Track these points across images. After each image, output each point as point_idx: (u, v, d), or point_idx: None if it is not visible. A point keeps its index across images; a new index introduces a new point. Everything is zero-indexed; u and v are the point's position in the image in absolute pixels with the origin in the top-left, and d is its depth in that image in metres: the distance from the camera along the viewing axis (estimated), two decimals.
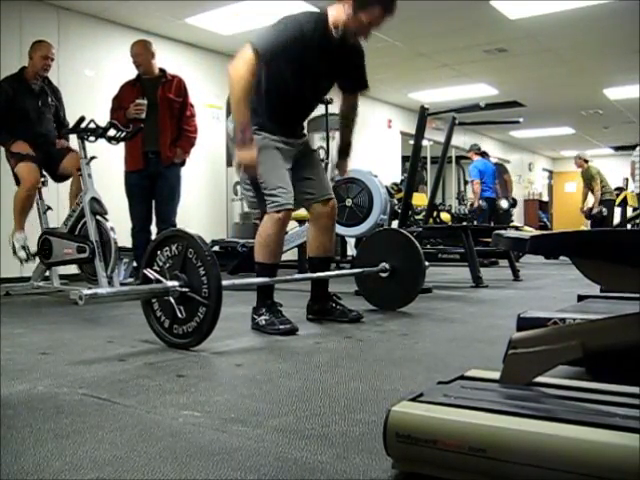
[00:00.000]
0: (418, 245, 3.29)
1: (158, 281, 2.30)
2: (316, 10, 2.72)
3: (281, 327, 2.56)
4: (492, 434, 0.95)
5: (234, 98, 2.54)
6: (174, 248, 2.32)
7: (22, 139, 4.10)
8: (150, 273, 2.34)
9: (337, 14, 2.61)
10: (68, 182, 4.23)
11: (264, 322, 2.62)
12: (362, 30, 2.62)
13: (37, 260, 4.17)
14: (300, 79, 2.68)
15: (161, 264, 2.35)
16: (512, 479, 0.93)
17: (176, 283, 2.25)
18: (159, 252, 2.36)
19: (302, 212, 3.13)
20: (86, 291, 2.05)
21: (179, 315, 2.24)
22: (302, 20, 2.57)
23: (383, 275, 3.23)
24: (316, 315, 2.98)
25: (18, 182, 4.15)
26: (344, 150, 3.06)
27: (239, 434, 1.30)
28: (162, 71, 4.61)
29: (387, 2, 2.57)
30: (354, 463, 1.13)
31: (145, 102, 4.32)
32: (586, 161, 9.85)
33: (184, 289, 2.24)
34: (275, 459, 1.15)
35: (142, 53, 4.54)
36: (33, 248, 4.13)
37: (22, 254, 4.11)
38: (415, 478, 1.04)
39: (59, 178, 4.32)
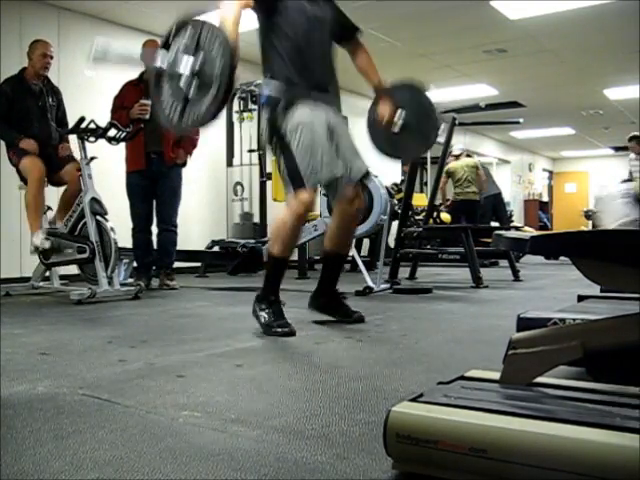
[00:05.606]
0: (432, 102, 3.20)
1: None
2: None
3: (279, 330, 2.53)
4: (493, 434, 0.95)
5: None
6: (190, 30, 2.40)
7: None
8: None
9: None
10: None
11: (263, 320, 2.59)
12: None
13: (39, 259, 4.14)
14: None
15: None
16: (513, 479, 0.93)
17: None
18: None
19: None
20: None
21: (190, 94, 2.31)
22: None
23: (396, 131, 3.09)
24: (317, 309, 2.92)
25: (22, 179, 4.11)
26: (379, 87, 2.99)
27: (239, 434, 1.30)
28: None
29: None
30: (354, 463, 1.13)
31: (150, 102, 4.32)
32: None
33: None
34: (275, 459, 1.15)
35: None
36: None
37: (46, 244, 3.95)
38: (415, 478, 1.04)
39: (55, 184, 4.29)
